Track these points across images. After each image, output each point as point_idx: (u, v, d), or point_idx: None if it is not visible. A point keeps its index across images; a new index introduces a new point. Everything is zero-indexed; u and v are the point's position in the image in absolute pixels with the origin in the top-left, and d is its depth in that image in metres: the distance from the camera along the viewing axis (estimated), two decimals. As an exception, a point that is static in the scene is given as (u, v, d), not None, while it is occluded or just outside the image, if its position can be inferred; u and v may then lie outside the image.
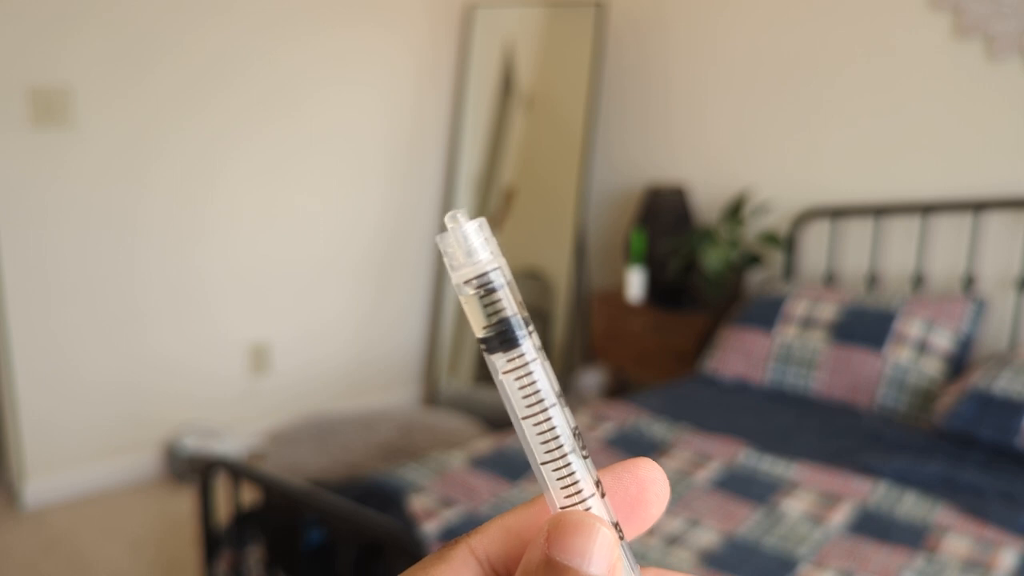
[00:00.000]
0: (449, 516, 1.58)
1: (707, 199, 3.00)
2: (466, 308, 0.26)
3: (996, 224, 2.33)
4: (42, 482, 2.57)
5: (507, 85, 3.31)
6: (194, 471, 2.62)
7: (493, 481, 1.74)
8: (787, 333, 2.39)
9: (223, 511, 1.76)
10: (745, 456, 1.89)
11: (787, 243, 2.71)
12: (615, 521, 0.26)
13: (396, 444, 2.54)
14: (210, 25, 2.70)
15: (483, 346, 0.26)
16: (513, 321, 0.26)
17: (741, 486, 1.74)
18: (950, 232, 2.41)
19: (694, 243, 2.73)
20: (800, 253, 2.76)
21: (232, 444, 2.80)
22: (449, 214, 0.26)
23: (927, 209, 2.41)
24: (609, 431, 2.04)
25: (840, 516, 1.61)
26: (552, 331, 3.21)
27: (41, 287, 2.49)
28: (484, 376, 3.33)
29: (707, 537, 1.53)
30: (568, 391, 3.24)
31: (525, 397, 0.26)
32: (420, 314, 3.50)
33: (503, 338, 0.26)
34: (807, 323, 2.38)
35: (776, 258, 2.83)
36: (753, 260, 2.75)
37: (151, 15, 2.57)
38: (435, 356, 3.45)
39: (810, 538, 1.52)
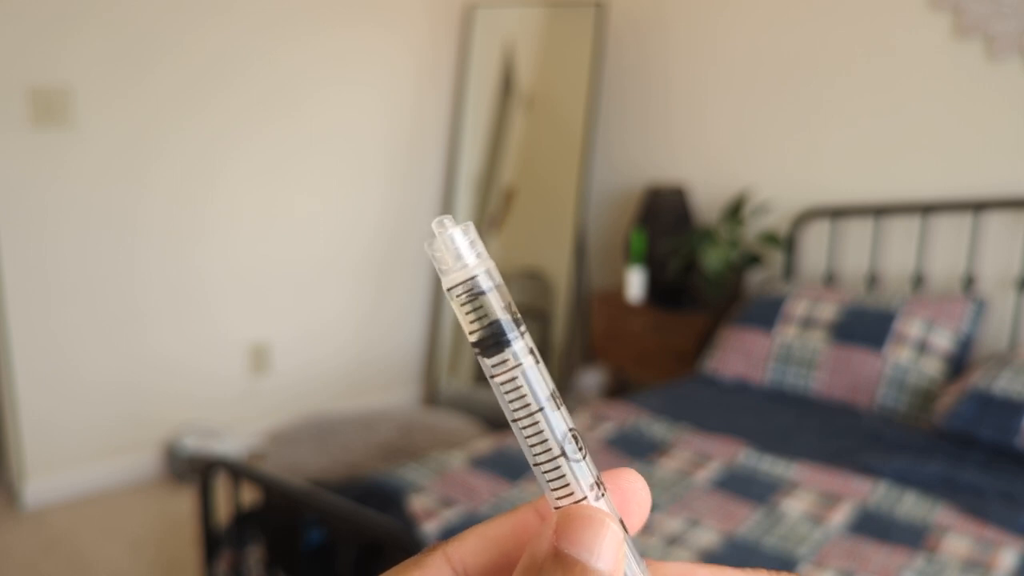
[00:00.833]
0: (449, 516, 1.58)
1: (707, 199, 3.00)
2: (456, 312, 0.26)
3: (996, 224, 2.33)
4: (42, 482, 2.57)
5: (507, 85, 3.31)
6: (194, 471, 2.62)
7: (493, 481, 1.74)
8: (787, 333, 2.39)
9: (223, 511, 1.76)
10: (745, 456, 1.89)
11: (787, 243, 2.71)
12: (619, 518, 0.26)
13: (396, 444, 2.54)
14: (210, 25, 2.70)
15: (475, 350, 0.26)
16: (498, 325, 0.26)
17: (741, 486, 1.74)
18: (950, 232, 2.41)
19: (694, 243, 2.73)
20: (800, 253, 2.76)
21: (232, 444, 2.80)
22: (436, 220, 0.26)
23: (927, 209, 2.41)
24: (609, 431, 2.04)
25: (840, 516, 1.61)
26: (552, 331, 3.21)
27: (41, 287, 2.49)
28: (484, 376, 3.32)
29: (707, 537, 1.53)
30: (568, 391, 3.24)
31: (511, 402, 0.26)
32: (420, 314, 3.50)
33: (487, 344, 0.26)
34: (807, 323, 2.38)
35: (776, 258, 2.83)
36: (753, 260, 2.75)
37: (151, 15, 2.57)
38: (435, 356, 3.45)
39: (810, 538, 1.52)
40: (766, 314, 2.48)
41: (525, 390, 0.26)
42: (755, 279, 2.89)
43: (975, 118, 2.36)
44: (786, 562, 1.44)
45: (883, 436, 2.00)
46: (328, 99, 3.03)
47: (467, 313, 0.26)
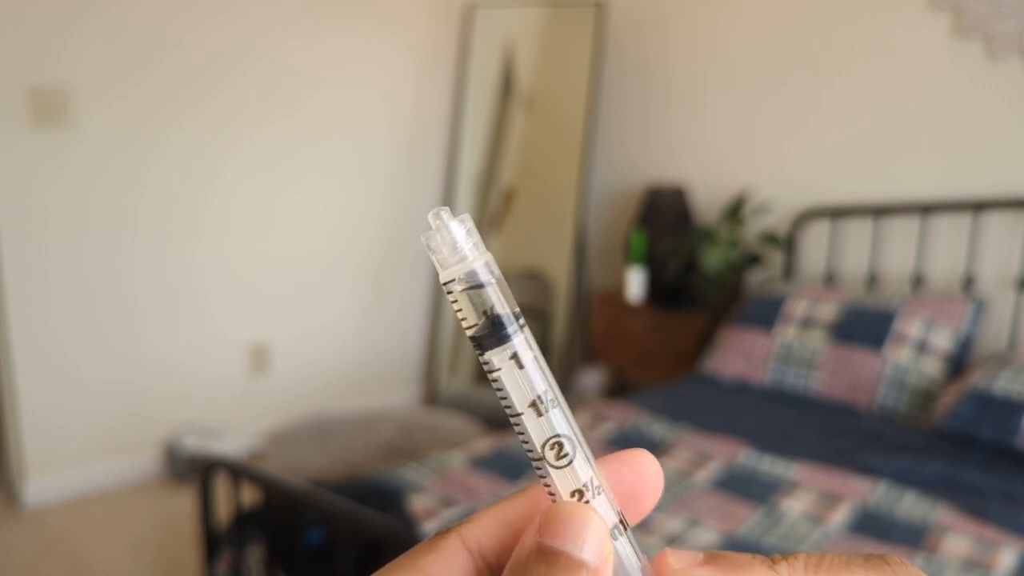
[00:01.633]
0: (449, 516, 1.58)
1: (707, 199, 3.00)
2: (453, 307, 0.26)
3: (996, 224, 2.33)
4: (42, 482, 2.57)
5: (507, 85, 3.31)
6: (194, 471, 2.62)
7: (493, 481, 1.74)
8: (787, 333, 2.39)
9: (223, 511, 1.76)
10: (745, 456, 1.89)
11: (787, 243, 2.71)
12: (619, 511, 0.26)
13: (396, 444, 2.54)
14: (210, 25, 2.70)
15: (472, 344, 0.26)
16: (492, 322, 0.25)
17: (741, 486, 1.74)
18: (950, 232, 2.41)
19: (694, 243, 2.73)
20: (800, 253, 2.76)
21: (232, 444, 2.80)
22: (432, 211, 0.26)
23: (927, 209, 2.41)
24: (609, 431, 2.04)
25: (840, 516, 1.61)
26: (552, 331, 3.21)
27: (41, 287, 2.49)
28: (484, 376, 3.32)
29: (707, 537, 1.53)
30: (568, 391, 3.24)
31: (500, 399, 0.26)
32: (420, 314, 3.50)
33: (483, 339, 0.25)
34: (807, 323, 2.38)
35: (776, 258, 2.83)
36: (753, 260, 2.75)
37: (151, 15, 2.57)
38: (435, 356, 3.45)
39: (810, 538, 1.52)
40: (766, 314, 2.48)
41: (508, 392, 0.25)
42: (755, 279, 2.89)
43: (975, 118, 2.36)
44: (786, 562, 1.44)
45: (883, 436, 2.00)
46: (328, 99, 3.03)
47: (463, 308, 0.25)
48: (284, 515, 1.55)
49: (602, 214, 3.37)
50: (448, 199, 3.42)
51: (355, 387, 3.30)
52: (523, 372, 0.25)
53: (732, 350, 2.46)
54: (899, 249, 2.52)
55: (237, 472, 1.59)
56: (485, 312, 0.25)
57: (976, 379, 2.01)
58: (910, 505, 1.65)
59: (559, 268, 3.20)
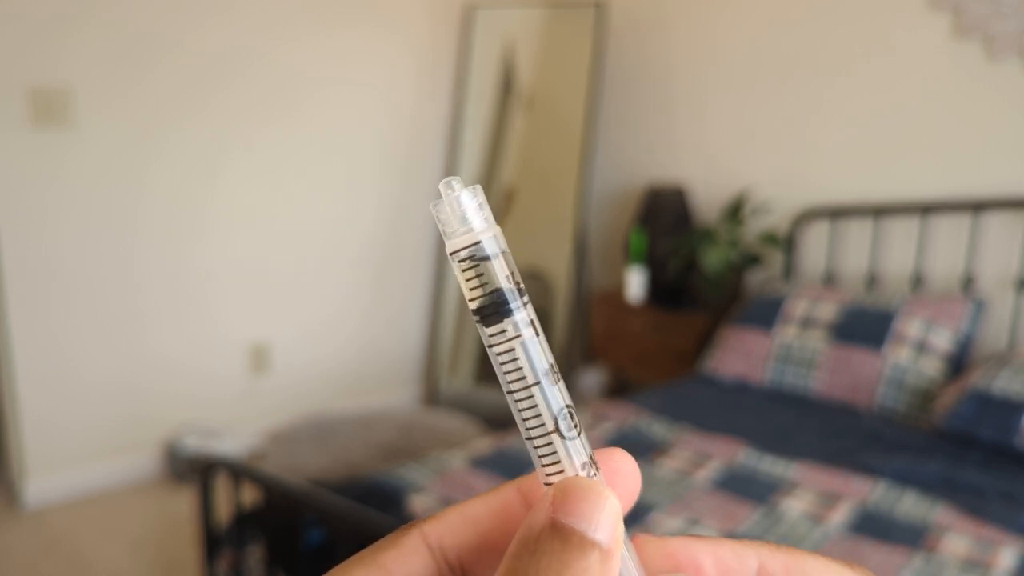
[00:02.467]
0: (449, 516, 1.58)
1: (707, 199, 3.00)
2: (458, 278, 0.26)
3: (996, 224, 2.33)
4: (42, 482, 2.57)
5: (507, 85, 3.31)
6: (194, 471, 2.62)
7: (493, 481, 1.74)
8: (787, 333, 2.39)
9: (223, 511, 1.77)
10: (745, 456, 1.89)
11: (787, 243, 2.72)
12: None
13: (396, 444, 2.54)
14: (210, 25, 2.70)
15: (475, 317, 0.25)
16: (499, 294, 0.25)
17: (741, 486, 1.75)
18: (950, 232, 2.41)
19: (694, 243, 2.73)
20: (800, 253, 2.76)
21: (232, 444, 2.80)
22: (444, 181, 0.25)
23: (927, 209, 2.41)
24: (609, 431, 2.04)
25: (840, 516, 1.61)
26: (552, 331, 3.21)
27: (41, 287, 2.49)
28: (484, 376, 3.33)
29: (708, 536, 1.53)
30: (568, 391, 3.23)
31: (507, 373, 0.25)
32: (420, 314, 3.50)
33: (489, 311, 0.25)
34: (807, 323, 2.38)
35: (776, 258, 2.83)
36: (753, 260, 2.75)
37: (151, 15, 2.57)
38: (435, 356, 3.45)
39: (810, 538, 1.52)
40: (766, 314, 2.48)
41: (523, 362, 0.25)
42: (755, 279, 2.89)
43: (975, 118, 2.36)
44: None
45: (883, 436, 2.00)
46: (328, 99, 3.03)
47: (469, 279, 0.25)
48: (284, 515, 1.55)
49: (602, 214, 3.37)
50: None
51: (355, 387, 3.30)
52: (538, 340, 0.25)
53: (732, 350, 2.46)
54: (899, 249, 2.52)
55: (237, 472, 1.59)
56: (505, 279, 0.25)
57: (976, 379, 2.01)
58: (910, 505, 1.65)
59: (559, 268, 3.20)
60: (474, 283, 0.25)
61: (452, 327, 3.41)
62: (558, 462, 0.25)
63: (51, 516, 2.51)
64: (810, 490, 1.72)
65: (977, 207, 2.31)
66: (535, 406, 0.25)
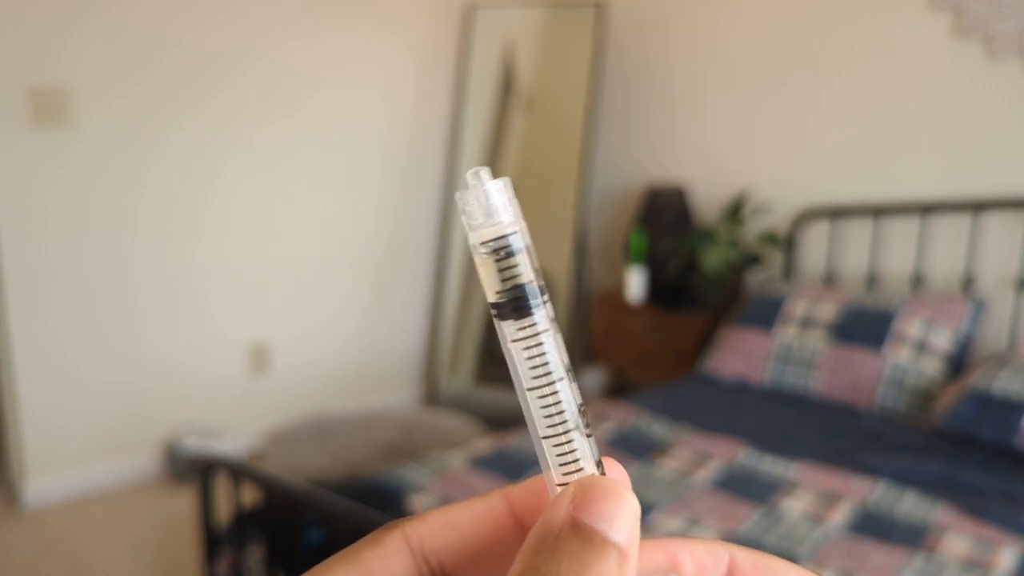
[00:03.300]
0: (449, 516, 1.58)
1: (707, 199, 3.00)
2: (480, 270, 0.25)
3: (996, 224, 2.33)
4: (42, 482, 2.57)
5: (507, 85, 3.31)
6: (194, 471, 2.62)
7: (493, 481, 1.74)
8: (787, 333, 2.39)
9: (223, 511, 1.77)
10: (745, 456, 1.89)
11: (787, 243, 2.72)
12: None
13: (396, 444, 2.54)
14: (210, 25, 2.70)
15: (494, 311, 0.25)
16: (528, 288, 0.25)
17: (741, 486, 1.75)
18: (950, 232, 2.41)
19: (694, 243, 2.73)
20: (800, 253, 2.76)
21: (232, 444, 2.80)
22: (472, 171, 0.25)
23: (927, 209, 2.41)
24: (609, 431, 2.04)
25: (840, 516, 1.61)
26: (552, 331, 3.21)
27: (41, 287, 2.49)
28: (484, 376, 3.33)
29: (707, 536, 1.53)
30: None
31: (532, 368, 0.25)
32: (420, 314, 3.50)
33: (515, 305, 0.25)
34: (807, 323, 2.38)
35: (776, 258, 2.83)
36: (753, 260, 2.75)
37: (151, 15, 2.57)
38: (435, 356, 3.45)
39: (810, 538, 1.52)
40: (766, 314, 2.48)
41: (548, 358, 0.25)
42: (755, 279, 2.89)
43: (975, 118, 2.36)
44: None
45: (883, 436, 2.00)
46: (328, 99, 3.03)
47: (496, 272, 0.25)
48: (284, 515, 1.55)
49: (602, 214, 3.37)
50: (448, 199, 3.42)
51: (355, 387, 3.30)
52: (559, 337, 0.25)
53: (732, 350, 2.46)
54: (899, 249, 2.52)
55: (237, 472, 1.59)
56: (535, 271, 0.25)
57: (976, 379, 2.01)
58: (910, 505, 1.65)
59: (559, 268, 3.20)
60: (501, 276, 0.25)
61: (452, 327, 3.41)
62: (577, 460, 0.25)
63: (51, 516, 2.51)
64: (810, 490, 1.72)
65: (977, 207, 2.31)
66: (559, 402, 0.25)
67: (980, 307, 2.27)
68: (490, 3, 3.31)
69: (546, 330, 0.25)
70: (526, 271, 0.25)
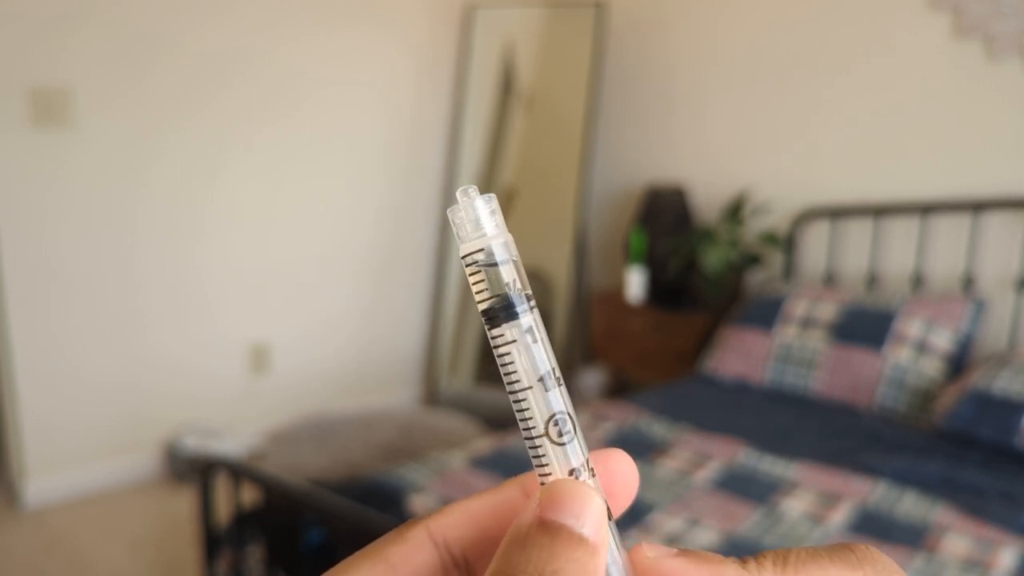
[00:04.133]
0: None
1: (707, 199, 3.00)
2: (468, 280, 0.27)
3: (996, 224, 2.33)
4: (42, 482, 2.57)
5: (507, 85, 3.31)
6: (194, 471, 2.62)
7: (493, 481, 1.74)
8: (787, 333, 2.39)
9: (223, 511, 1.77)
10: (745, 456, 1.89)
11: (787, 243, 2.71)
12: (604, 499, 0.26)
13: (396, 444, 2.54)
14: (210, 25, 2.70)
15: (482, 319, 0.27)
16: (500, 300, 0.26)
17: (741, 486, 1.74)
18: (950, 232, 2.41)
19: (694, 243, 2.73)
20: (800, 253, 2.76)
21: (232, 444, 2.80)
22: (461, 188, 0.27)
23: (927, 209, 2.41)
24: (609, 431, 2.04)
25: (840, 516, 1.61)
26: (552, 331, 3.21)
27: (41, 287, 2.49)
28: (484, 376, 3.33)
29: (707, 537, 1.53)
30: (568, 391, 3.23)
31: (505, 376, 0.26)
32: (420, 314, 3.50)
33: (490, 315, 0.26)
34: (807, 323, 2.38)
35: (776, 258, 2.83)
36: (753, 260, 2.75)
37: (151, 15, 2.57)
38: (435, 356, 3.45)
39: (810, 538, 1.52)
40: (766, 314, 2.48)
41: (517, 366, 0.26)
42: (755, 279, 2.89)
43: (975, 118, 2.36)
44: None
45: (883, 436, 2.00)
46: (328, 99, 3.03)
47: (478, 282, 0.26)
48: (284, 515, 1.55)
49: (602, 214, 3.37)
50: (448, 199, 3.42)
51: (355, 387, 3.30)
52: (535, 347, 0.26)
53: (732, 350, 2.46)
54: (899, 249, 2.52)
55: (237, 472, 1.59)
56: (507, 285, 0.26)
57: (976, 379, 2.01)
58: (910, 505, 1.65)
59: (559, 268, 3.20)
60: (480, 287, 0.26)
61: (452, 327, 3.41)
62: (546, 466, 0.26)
63: (51, 516, 2.51)
64: (810, 490, 1.72)
65: (977, 207, 2.31)
66: (528, 409, 0.26)
67: (980, 307, 2.27)
68: (490, 3, 3.31)
69: (513, 341, 0.26)
70: (500, 282, 0.26)
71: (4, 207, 2.39)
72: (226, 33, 2.74)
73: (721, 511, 1.63)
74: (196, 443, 2.73)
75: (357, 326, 3.29)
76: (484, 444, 1.97)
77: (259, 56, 2.82)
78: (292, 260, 3.04)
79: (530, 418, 0.26)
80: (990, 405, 1.92)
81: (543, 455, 0.26)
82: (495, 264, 0.26)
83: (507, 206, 3.32)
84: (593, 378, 3.19)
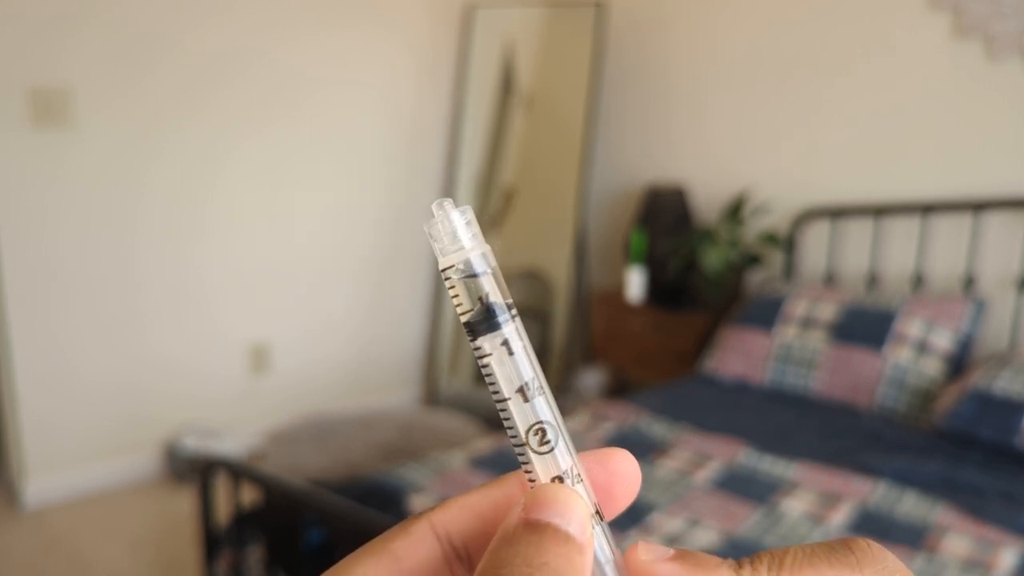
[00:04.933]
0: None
1: (707, 199, 3.00)
2: (448, 293, 0.27)
3: (996, 224, 2.33)
4: (42, 482, 2.57)
5: (507, 85, 3.31)
6: (194, 471, 2.62)
7: (493, 481, 1.74)
8: (787, 333, 2.39)
9: (223, 511, 1.76)
10: (745, 456, 1.89)
11: (787, 243, 2.71)
12: (595, 503, 0.27)
13: (396, 444, 2.54)
14: (210, 25, 2.70)
15: (465, 330, 0.27)
16: (478, 313, 0.26)
17: (741, 486, 1.74)
18: (950, 232, 2.41)
19: (694, 243, 2.73)
20: (800, 253, 2.76)
21: (232, 444, 2.80)
22: (436, 202, 0.27)
23: (927, 209, 2.41)
24: (609, 431, 2.04)
25: (840, 516, 1.61)
26: (552, 331, 3.21)
27: (41, 287, 2.49)
28: (483, 376, 3.33)
29: (707, 537, 1.53)
30: (568, 391, 3.24)
31: (488, 385, 0.27)
32: (420, 314, 3.50)
33: (468, 327, 0.26)
34: (807, 323, 2.38)
35: (776, 258, 2.83)
36: (753, 260, 2.75)
37: (151, 15, 2.57)
38: (435, 356, 3.45)
39: (810, 538, 1.52)
40: (766, 314, 2.48)
41: (496, 378, 0.26)
42: (755, 279, 2.89)
43: (975, 118, 2.36)
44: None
45: (883, 436, 2.00)
46: (328, 99, 3.03)
47: (456, 295, 0.26)
48: (284, 515, 1.55)
49: (602, 214, 3.37)
50: (448, 198, 3.42)
51: (355, 387, 3.30)
52: (512, 359, 0.26)
53: (732, 350, 2.46)
54: (899, 249, 2.52)
55: (237, 472, 1.59)
56: (480, 299, 0.26)
57: (976, 379, 2.01)
58: (910, 505, 1.65)
59: (559, 268, 3.20)
60: (464, 298, 0.26)
61: (452, 327, 3.41)
62: (530, 472, 0.27)
63: (51, 516, 2.51)
64: (810, 490, 1.72)
65: (977, 207, 2.31)
66: (509, 418, 0.26)
67: (980, 307, 2.27)
68: (490, 3, 3.31)
69: (490, 354, 0.26)
70: (473, 295, 0.26)
71: (4, 207, 2.39)
72: (226, 33, 2.74)
73: (721, 511, 1.63)
74: (196, 443, 2.73)
75: (357, 326, 3.29)
76: (484, 444, 1.97)
77: (259, 56, 2.82)
78: (292, 260, 3.04)
79: (512, 427, 0.26)
80: (990, 405, 1.92)
81: (526, 462, 0.26)
82: (474, 275, 0.26)
83: (507, 206, 3.32)
84: (593, 378, 3.19)
